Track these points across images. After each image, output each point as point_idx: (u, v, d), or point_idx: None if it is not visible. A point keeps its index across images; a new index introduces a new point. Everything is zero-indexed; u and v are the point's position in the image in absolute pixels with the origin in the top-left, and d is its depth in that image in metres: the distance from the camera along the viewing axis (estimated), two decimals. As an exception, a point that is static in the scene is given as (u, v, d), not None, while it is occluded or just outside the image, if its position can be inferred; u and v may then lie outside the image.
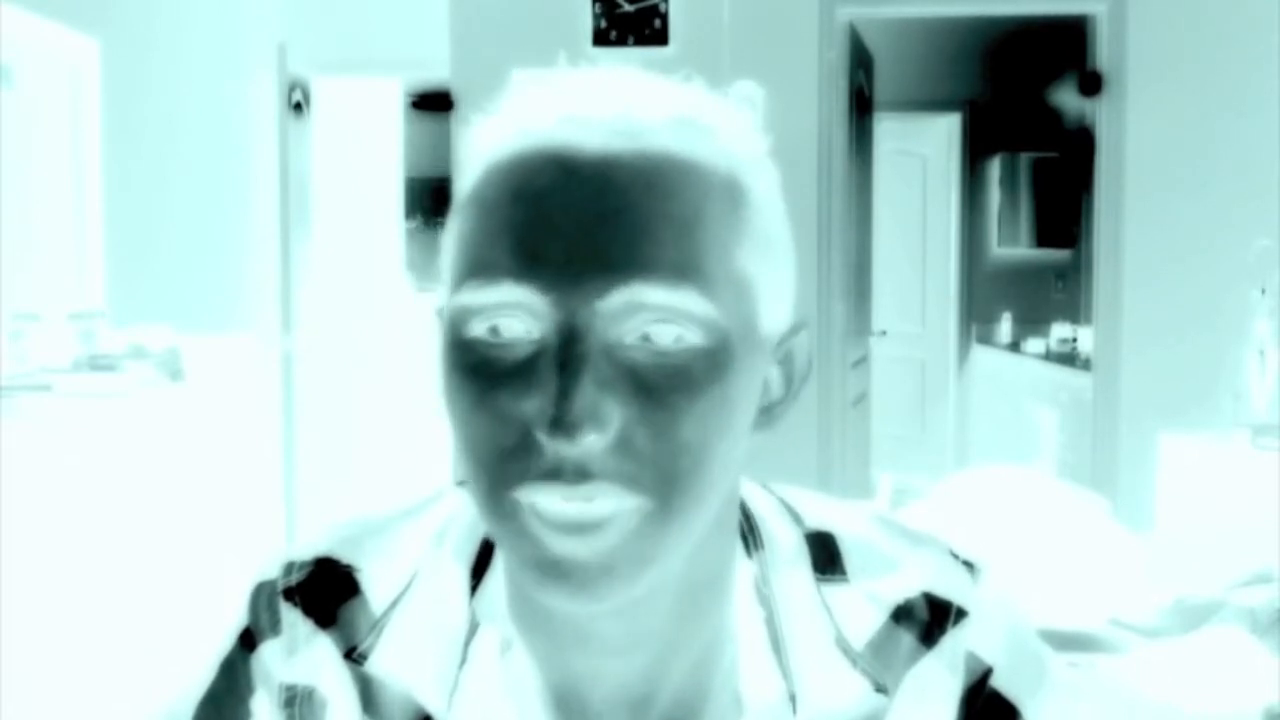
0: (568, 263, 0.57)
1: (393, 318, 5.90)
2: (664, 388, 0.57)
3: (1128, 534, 2.20)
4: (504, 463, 0.58)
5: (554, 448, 0.56)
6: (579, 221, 0.57)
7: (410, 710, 0.68)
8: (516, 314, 0.58)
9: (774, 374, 0.66)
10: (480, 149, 0.63)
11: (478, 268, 0.59)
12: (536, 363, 0.57)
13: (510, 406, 0.58)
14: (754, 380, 0.62)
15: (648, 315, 0.57)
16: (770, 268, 0.63)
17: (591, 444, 0.56)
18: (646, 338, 0.57)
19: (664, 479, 0.58)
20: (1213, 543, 2.29)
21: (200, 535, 3.42)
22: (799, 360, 0.67)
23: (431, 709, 0.67)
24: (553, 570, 0.58)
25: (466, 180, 0.64)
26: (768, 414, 0.66)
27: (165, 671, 2.89)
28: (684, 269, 0.57)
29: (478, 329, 0.59)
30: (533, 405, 0.57)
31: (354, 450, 5.59)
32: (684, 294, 0.57)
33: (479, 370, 0.59)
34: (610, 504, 0.57)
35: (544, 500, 0.57)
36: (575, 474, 0.56)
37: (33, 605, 2.65)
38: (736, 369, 0.59)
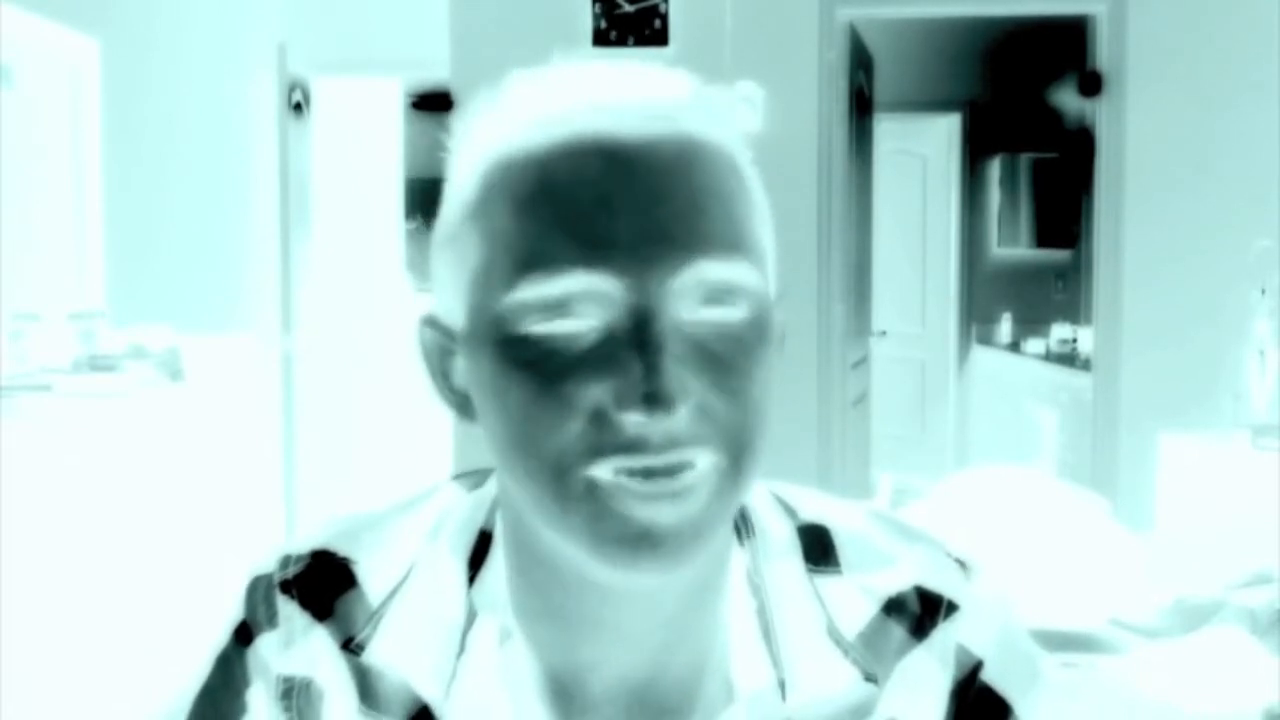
0: (636, 246, 0.58)
1: (393, 318, 5.90)
2: (728, 355, 0.60)
3: (1128, 534, 2.20)
4: (572, 445, 0.59)
5: (639, 425, 0.57)
6: (637, 205, 0.59)
7: (408, 700, 0.68)
8: (580, 303, 0.59)
9: None
10: (491, 143, 0.63)
11: (535, 262, 0.59)
12: (608, 347, 0.58)
13: (578, 392, 0.59)
14: (775, 343, 0.66)
15: (707, 289, 0.59)
16: (770, 238, 0.66)
17: (680, 415, 0.58)
18: (699, 311, 0.60)
19: (738, 438, 0.60)
20: (1213, 543, 2.29)
21: (200, 535, 3.42)
22: (779, 329, 0.70)
23: (429, 698, 0.68)
24: (642, 540, 0.59)
25: (472, 177, 0.63)
26: None
27: (165, 671, 2.89)
28: (734, 242, 0.61)
29: (533, 322, 0.59)
30: (608, 388, 0.58)
31: (354, 450, 5.59)
32: (738, 266, 0.60)
33: (539, 362, 0.59)
34: (697, 471, 0.59)
35: (629, 472, 0.58)
36: (663, 443, 0.58)
37: (33, 605, 2.65)
38: (771, 332, 0.63)
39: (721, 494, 0.61)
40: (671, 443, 0.58)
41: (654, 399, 0.56)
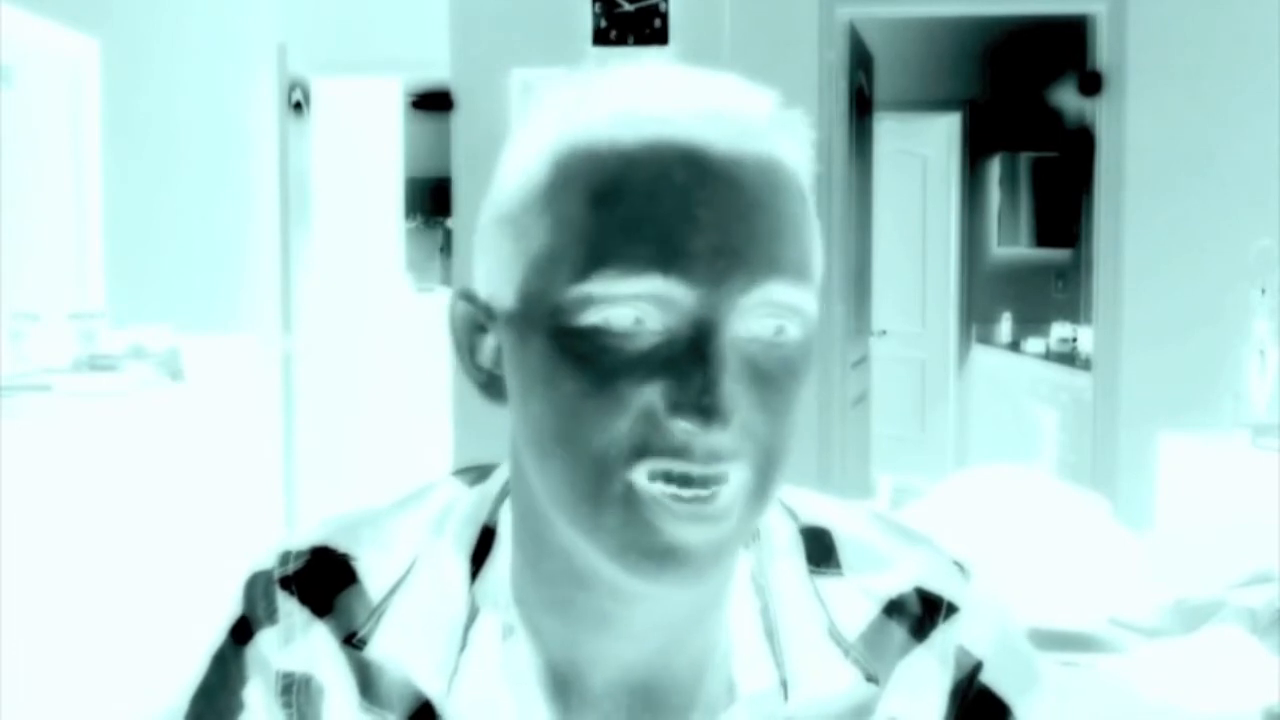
0: (714, 260, 0.58)
1: (393, 318, 5.91)
2: (776, 375, 0.61)
3: (1128, 534, 2.20)
4: (616, 445, 0.59)
5: (687, 433, 0.58)
6: (719, 219, 0.59)
7: (409, 695, 0.68)
8: (643, 305, 0.59)
9: None
10: (572, 127, 0.61)
11: (610, 258, 0.58)
12: (667, 351, 0.58)
13: (631, 392, 0.59)
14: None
15: (769, 310, 0.60)
16: (821, 264, 0.67)
17: (730, 430, 0.58)
18: (752, 329, 0.60)
19: (768, 457, 0.61)
20: (1213, 543, 2.29)
21: (200, 534, 3.42)
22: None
23: (431, 693, 0.68)
24: (669, 556, 0.59)
25: (543, 157, 0.62)
26: None
27: (165, 670, 2.89)
28: (802, 269, 0.62)
29: (594, 317, 0.59)
30: (661, 392, 0.58)
31: (354, 450, 5.59)
32: (802, 292, 0.61)
33: (594, 357, 0.59)
34: (731, 489, 0.60)
35: (666, 477, 0.59)
36: (705, 455, 0.58)
37: (33, 605, 2.65)
38: (813, 357, 0.64)
39: (748, 513, 0.62)
40: (713, 456, 0.58)
41: (710, 411, 0.57)
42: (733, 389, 0.58)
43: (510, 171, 0.64)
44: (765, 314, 0.60)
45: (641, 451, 0.58)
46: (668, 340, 0.59)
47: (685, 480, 0.58)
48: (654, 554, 0.59)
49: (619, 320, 0.59)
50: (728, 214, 0.59)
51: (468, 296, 0.67)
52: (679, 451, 0.58)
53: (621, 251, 0.58)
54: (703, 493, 0.59)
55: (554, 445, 0.61)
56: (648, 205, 0.59)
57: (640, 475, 0.59)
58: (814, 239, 0.64)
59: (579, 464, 0.60)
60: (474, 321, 0.67)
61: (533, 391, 0.62)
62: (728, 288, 0.58)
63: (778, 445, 0.61)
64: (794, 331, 0.61)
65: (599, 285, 0.58)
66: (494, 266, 0.64)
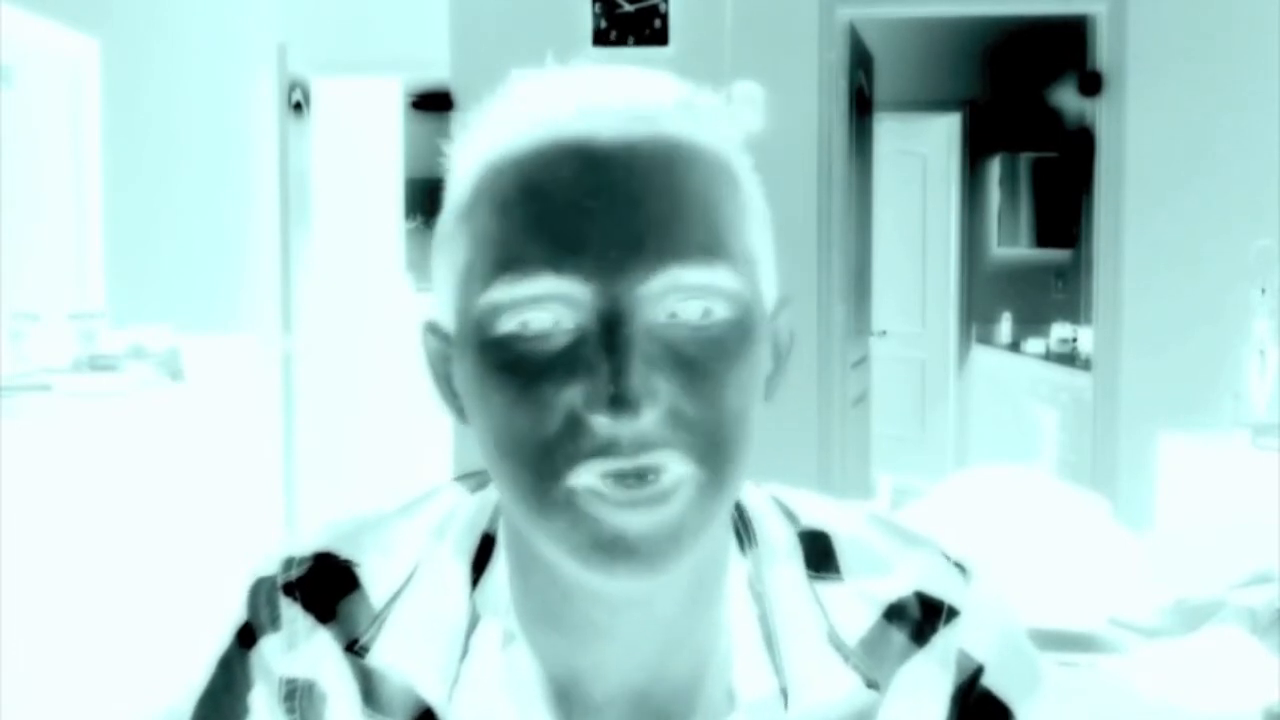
0: (606, 251, 0.58)
1: (393, 318, 5.90)
2: (702, 359, 0.59)
3: (1128, 534, 2.20)
4: (551, 451, 0.59)
5: (608, 427, 0.57)
6: (610, 209, 0.59)
7: (411, 702, 0.68)
8: (552, 305, 0.59)
9: (766, 348, 0.67)
10: (483, 147, 0.63)
11: (508, 264, 0.59)
12: (579, 349, 0.58)
13: (553, 395, 0.59)
14: (766, 350, 0.65)
15: (682, 294, 0.59)
16: (765, 244, 0.66)
17: (648, 418, 0.57)
18: (675, 314, 0.59)
19: (714, 447, 0.60)
20: (1213, 543, 2.29)
21: (200, 534, 3.42)
22: (783, 335, 0.70)
23: (432, 700, 0.68)
24: (615, 547, 0.59)
25: (466, 180, 0.64)
26: (765, 387, 0.67)
27: (165, 671, 2.89)
28: (712, 248, 0.60)
29: (509, 324, 0.59)
30: (579, 391, 0.58)
31: (354, 450, 5.59)
32: (717, 271, 0.60)
33: (515, 365, 0.59)
34: (671, 475, 0.59)
35: (597, 476, 0.58)
36: (631, 447, 0.58)
37: (33, 605, 2.65)
38: (756, 338, 0.62)
39: (699, 503, 0.60)
40: (641, 446, 0.58)
41: (619, 401, 0.56)
42: (646, 376, 0.57)
43: (446, 197, 0.66)
44: (683, 297, 0.59)
45: (574, 458, 0.58)
46: (580, 338, 0.59)
47: (620, 477, 0.58)
48: (600, 546, 0.59)
49: (537, 323, 0.59)
50: (620, 203, 0.59)
51: (432, 328, 0.68)
52: (608, 448, 0.58)
53: (518, 254, 0.59)
54: (643, 479, 0.58)
55: (499, 457, 0.61)
56: (540, 205, 0.60)
57: (579, 478, 0.59)
58: (741, 218, 0.63)
59: (521, 474, 0.60)
60: (440, 351, 0.68)
61: (473, 407, 0.63)
62: (626, 277, 0.58)
63: (724, 434, 0.60)
64: (721, 312, 0.60)
65: (501, 291, 0.59)
66: (440, 291, 0.66)
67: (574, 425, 0.58)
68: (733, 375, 0.60)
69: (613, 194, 0.59)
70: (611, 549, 0.59)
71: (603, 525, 0.59)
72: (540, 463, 0.59)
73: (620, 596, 0.63)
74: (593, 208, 0.59)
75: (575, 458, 0.58)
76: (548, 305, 0.59)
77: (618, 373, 0.56)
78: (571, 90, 0.62)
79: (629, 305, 0.58)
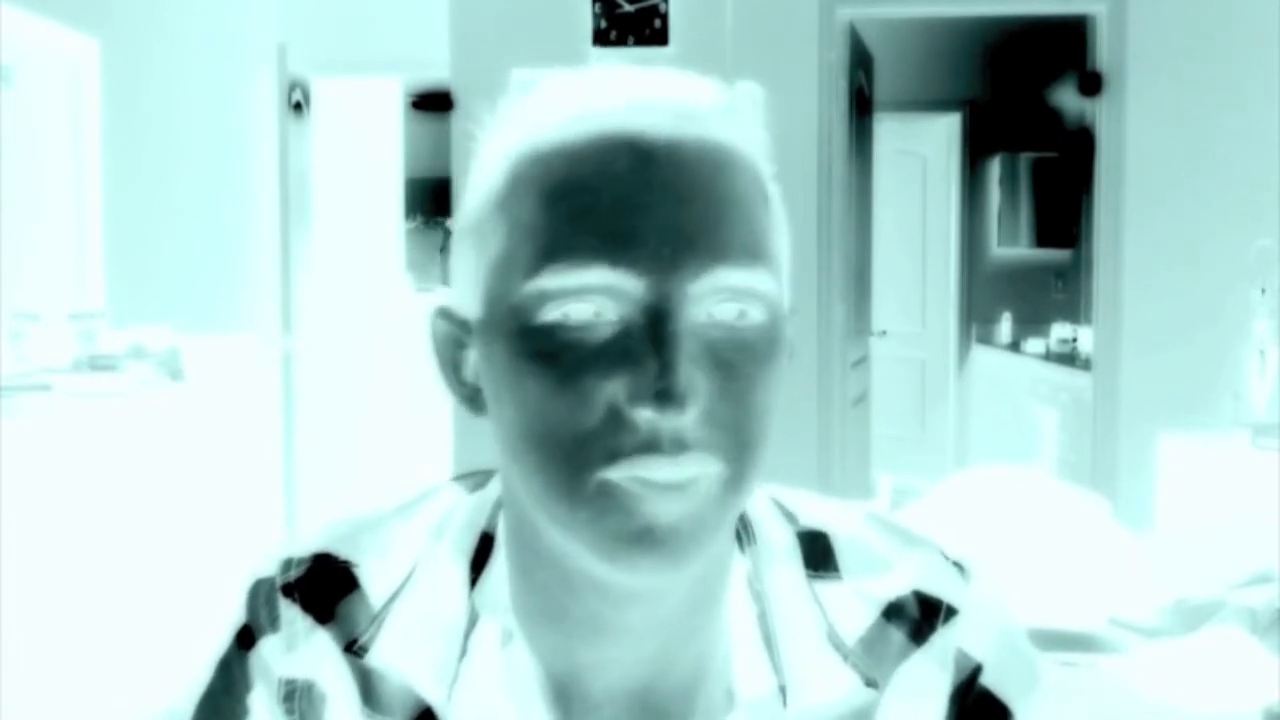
0: (661, 247, 0.58)
1: (393, 318, 5.90)
2: (738, 361, 0.60)
3: (1128, 534, 2.20)
4: (587, 443, 0.59)
5: (650, 422, 0.58)
6: (663, 206, 0.59)
7: (410, 702, 0.68)
8: (596, 298, 0.59)
9: None
10: (522, 137, 0.63)
11: (559, 252, 0.59)
12: (624, 342, 0.58)
13: (595, 387, 0.59)
14: (787, 353, 0.65)
15: (723, 295, 0.60)
16: (787, 249, 0.66)
17: (690, 416, 0.58)
18: (711, 315, 0.60)
19: (741, 446, 0.60)
20: (1213, 543, 2.29)
21: (200, 534, 3.42)
22: (791, 341, 0.70)
23: (431, 700, 0.68)
24: (645, 538, 0.59)
25: (500, 170, 0.63)
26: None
27: (165, 671, 2.89)
28: (755, 251, 0.61)
29: (552, 314, 0.59)
30: (622, 384, 0.58)
31: (354, 450, 5.59)
32: (757, 274, 0.60)
33: (556, 355, 0.59)
34: (697, 468, 0.59)
35: (645, 473, 0.58)
36: (673, 445, 0.58)
37: (33, 605, 2.65)
38: (783, 342, 0.63)
39: (723, 500, 0.61)
40: (679, 444, 0.58)
41: (666, 395, 0.56)
42: (691, 374, 0.58)
43: (473, 185, 0.66)
44: (723, 299, 0.60)
45: (614, 453, 0.58)
46: (624, 331, 0.59)
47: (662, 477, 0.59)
48: (630, 538, 0.59)
49: (578, 314, 0.59)
50: (673, 200, 0.59)
51: (445, 313, 0.68)
52: (647, 446, 0.58)
53: (568, 244, 0.59)
54: (675, 478, 0.59)
55: (527, 447, 0.61)
56: (592, 198, 0.60)
57: (614, 473, 0.59)
58: (772, 222, 0.64)
59: (552, 464, 0.60)
60: (453, 337, 0.67)
61: (503, 396, 0.62)
62: (677, 274, 0.58)
63: (750, 434, 0.61)
64: (756, 316, 0.61)
65: (549, 279, 0.59)
66: (464, 279, 0.66)
67: (614, 418, 0.58)
68: (762, 377, 0.61)
69: (665, 191, 0.59)
70: (639, 539, 0.59)
71: (634, 514, 0.59)
72: (576, 454, 0.59)
73: (632, 592, 0.64)
74: (647, 203, 0.59)
75: (613, 452, 0.58)
76: (592, 297, 0.59)
77: (666, 367, 0.57)
78: (621, 86, 0.62)
79: (678, 302, 0.58)
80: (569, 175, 0.60)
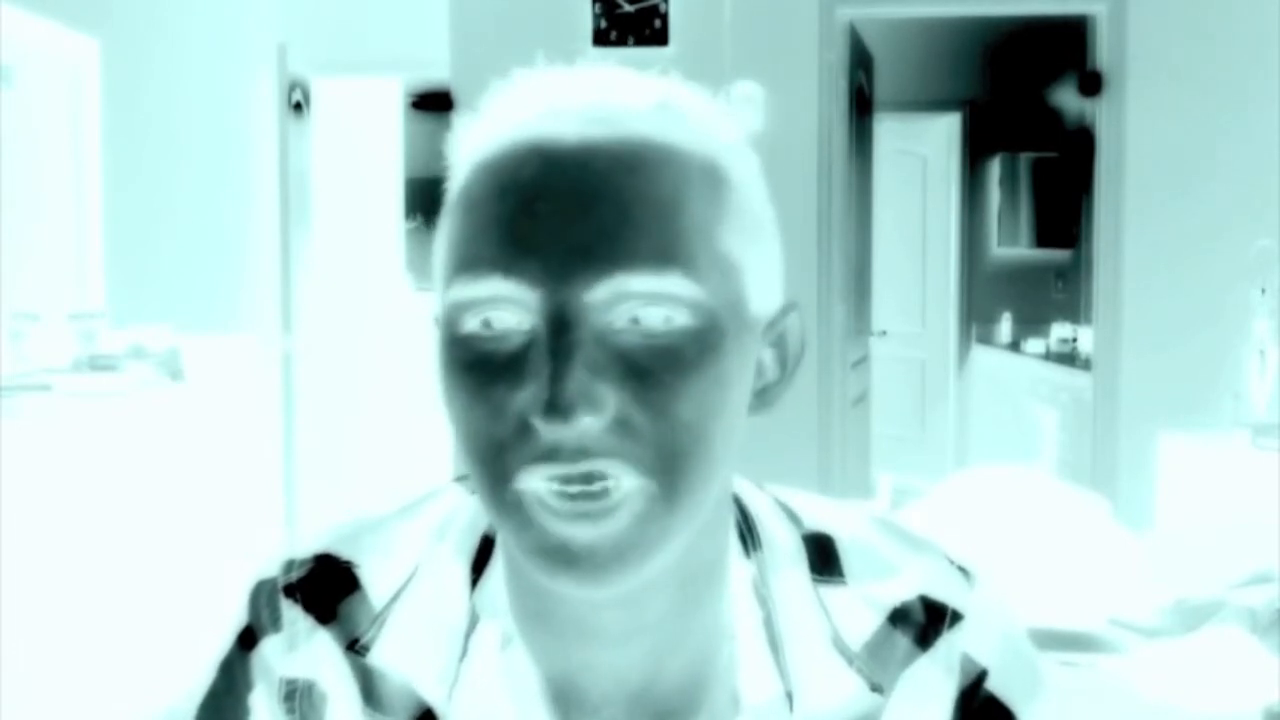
0: (552, 256, 0.58)
1: (393, 318, 5.90)
2: (656, 368, 0.58)
3: (1128, 534, 2.20)
4: (502, 454, 0.59)
5: (551, 432, 0.57)
6: (561, 212, 0.58)
7: (411, 702, 0.68)
8: (506, 307, 0.59)
9: (767, 356, 0.67)
10: (466, 149, 0.64)
11: (466, 264, 0.60)
12: (529, 352, 0.58)
13: (505, 397, 0.59)
14: (746, 360, 0.63)
15: (635, 301, 0.58)
16: (756, 249, 0.64)
17: (587, 425, 0.57)
18: (636, 320, 0.58)
19: (666, 459, 0.59)
20: (1213, 543, 2.29)
21: (200, 534, 3.42)
22: (792, 342, 0.68)
23: (432, 701, 0.68)
24: (559, 556, 0.59)
25: (454, 181, 0.64)
26: (763, 396, 0.67)
27: (165, 671, 2.89)
28: (667, 253, 0.58)
29: (470, 324, 0.60)
30: (527, 394, 0.58)
31: (354, 450, 5.59)
32: (669, 278, 0.58)
33: (474, 365, 0.60)
34: (620, 488, 0.58)
35: (543, 481, 0.58)
36: (574, 453, 0.57)
37: (33, 605, 2.65)
38: (727, 348, 0.60)
39: (650, 517, 0.59)
40: (581, 452, 0.57)
41: (553, 407, 0.56)
42: (588, 382, 0.56)
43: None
44: (640, 304, 0.58)
45: (523, 459, 0.58)
46: (530, 341, 0.59)
47: (565, 480, 0.58)
48: (547, 554, 0.59)
49: (499, 322, 0.59)
50: (573, 206, 0.58)
51: (436, 321, 0.69)
52: (552, 453, 0.57)
53: (474, 255, 0.59)
54: (589, 488, 0.58)
55: (464, 456, 0.62)
56: (497, 207, 0.60)
57: (526, 482, 0.59)
58: (713, 221, 0.60)
59: (480, 474, 0.61)
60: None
61: (445, 405, 0.63)
62: (572, 283, 0.57)
63: (677, 446, 0.58)
64: (683, 320, 0.58)
65: (459, 290, 0.60)
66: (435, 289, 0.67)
67: (524, 429, 0.58)
68: (688, 386, 0.58)
69: (566, 196, 0.58)
70: (556, 557, 0.59)
71: (548, 533, 0.59)
72: (493, 464, 0.59)
73: (596, 598, 0.63)
74: (543, 210, 0.58)
75: (523, 461, 0.58)
76: (505, 306, 0.59)
77: (555, 378, 0.56)
78: (545, 92, 0.62)
79: (575, 311, 0.57)
80: (488, 185, 0.61)
